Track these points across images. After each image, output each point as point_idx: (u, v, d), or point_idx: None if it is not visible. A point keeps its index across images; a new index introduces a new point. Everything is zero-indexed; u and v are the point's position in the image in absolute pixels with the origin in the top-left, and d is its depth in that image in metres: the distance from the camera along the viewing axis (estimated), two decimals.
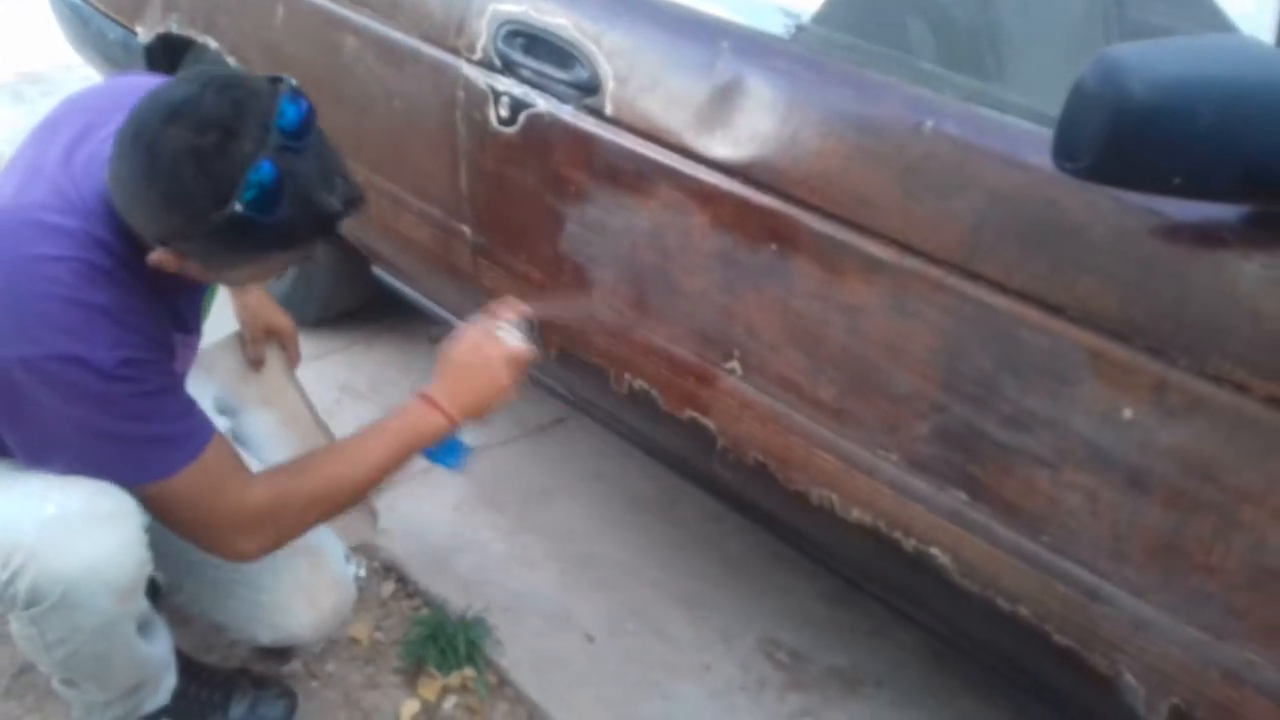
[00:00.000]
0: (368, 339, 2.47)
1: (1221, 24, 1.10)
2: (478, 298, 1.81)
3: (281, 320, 1.66)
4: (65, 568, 1.12)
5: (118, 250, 1.11)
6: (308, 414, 1.72)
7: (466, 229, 1.75)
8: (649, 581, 1.87)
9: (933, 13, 1.39)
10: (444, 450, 1.35)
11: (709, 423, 1.50)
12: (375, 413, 1.85)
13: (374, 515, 1.84)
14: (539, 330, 1.34)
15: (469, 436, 1.36)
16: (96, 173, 1.11)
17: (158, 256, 1.08)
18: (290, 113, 1.02)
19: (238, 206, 1.00)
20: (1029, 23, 1.34)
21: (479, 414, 1.30)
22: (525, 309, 1.33)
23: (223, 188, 1.00)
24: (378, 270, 2.25)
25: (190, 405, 1.18)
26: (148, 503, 1.17)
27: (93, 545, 1.13)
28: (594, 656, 1.72)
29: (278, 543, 1.23)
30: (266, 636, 1.46)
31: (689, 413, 1.52)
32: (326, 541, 1.46)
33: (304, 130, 1.04)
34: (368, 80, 1.82)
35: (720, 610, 1.82)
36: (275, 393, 1.67)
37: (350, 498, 1.25)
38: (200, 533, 1.20)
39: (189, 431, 1.15)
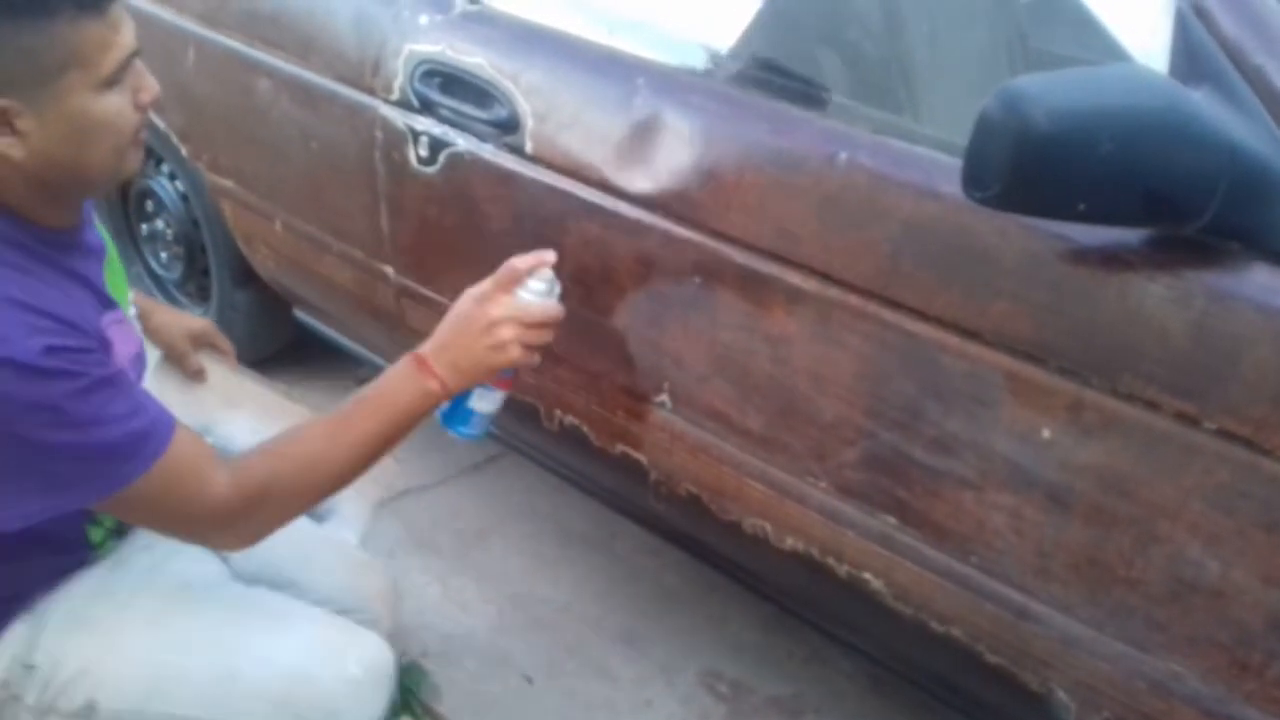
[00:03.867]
0: (290, 384, 2.41)
1: (1118, 54, 1.14)
2: (402, 339, 1.79)
3: (196, 323, 1.53)
4: None
5: None
6: (276, 397, 1.62)
7: (389, 270, 1.73)
8: (587, 619, 1.85)
9: (845, 48, 1.41)
10: (454, 415, 1.20)
11: (641, 456, 1.50)
12: None
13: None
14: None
15: (482, 404, 1.20)
16: None
17: None
18: None
19: None
20: (937, 56, 1.38)
21: (475, 378, 1.15)
22: (550, 257, 1.14)
23: None
24: (299, 313, 2.22)
25: (143, 398, 1.04)
26: (110, 507, 1.05)
27: (380, 703, 1.16)
28: (533, 698, 1.69)
29: (260, 535, 1.11)
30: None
31: (620, 447, 1.52)
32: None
33: None
34: (283, 123, 1.80)
35: (660, 645, 1.81)
36: (233, 390, 1.56)
37: (338, 480, 1.12)
38: (174, 530, 1.10)
39: (145, 430, 1.01)
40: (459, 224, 1.58)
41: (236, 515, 1.07)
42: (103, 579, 1.20)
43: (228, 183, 2.01)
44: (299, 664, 1.16)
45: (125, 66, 0.99)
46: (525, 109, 1.44)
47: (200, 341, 1.54)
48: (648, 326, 1.40)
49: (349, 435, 1.11)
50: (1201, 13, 1.01)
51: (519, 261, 1.14)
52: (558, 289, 1.14)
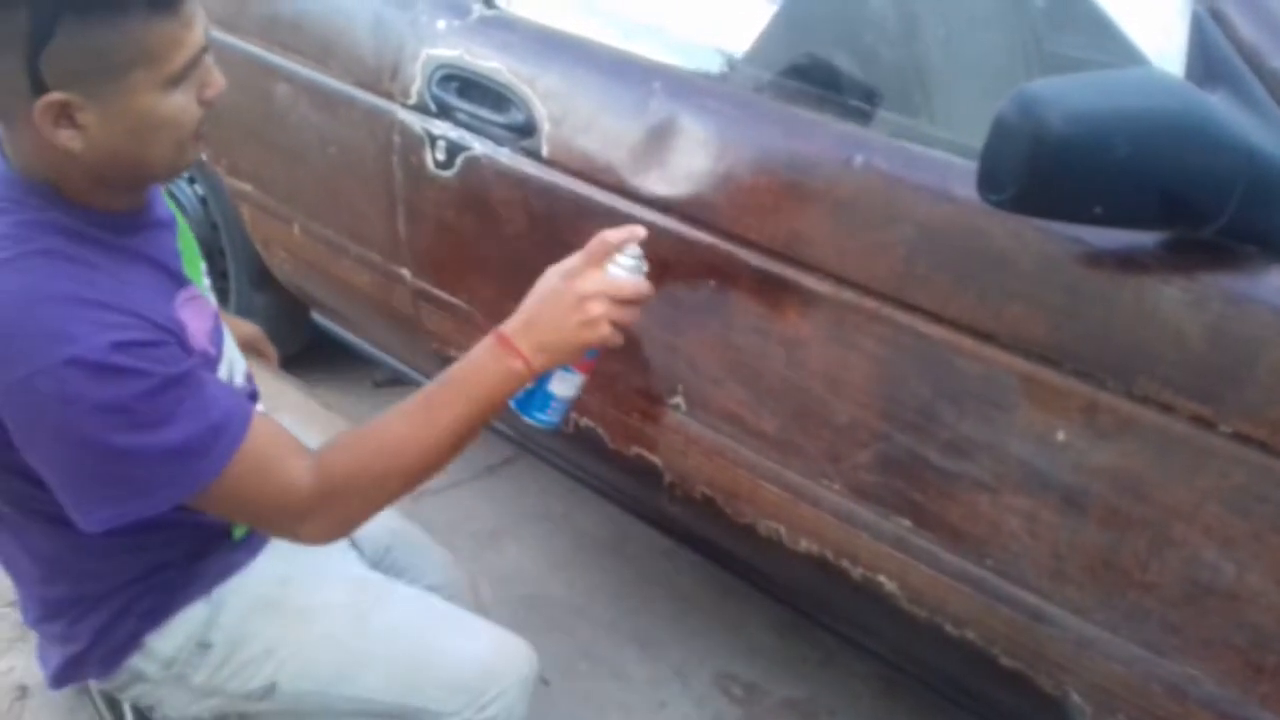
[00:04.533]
0: (308, 386, 2.43)
1: (1134, 57, 1.14)
2: (419, 341, 1.80)
3: (246, 329, 1.52)
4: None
5: (53, 221, 0.95)
6: (316, 405, 1.63)
7: (406, 272, 1.74)
8: (601, 621, 1.86)
9: (860, 52, 1.42)
10: (532, 400, 1.11)
11: (655, 459, 1.50)
12: None
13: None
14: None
15: (562, 387, 1.11)
16: None
17: (43, 114, 0.90)
18: None
19: None
20: (952, 59, 1.38)
21: (560, 358, 1.07)
22: (640, 231, 1.07)
23: None
24: (317, 315, 2.23)
25: (216, 390, 0.99)
26: (193, 505, 1.01)
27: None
28: (548, 700, 1.69)
29: (345, 526, 1.07)
30: None
31: (635, 449, 1.52)
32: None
33: None
34: (301, 127, 1.81)
35: (674, 647, 1.81)
36: (275, 397, 1.55)
37: (425, 469, 1.06)
38: (258, 522, 1.07)
39: (217, 426, 0.97)
40: (475, 227, 1.59)
41: (319, 506, 1.03)
42: (279, 566, 1.22)
43: (246, 186, 2.03)
44: (488, 661, 1.23)
45: (194, 63, 0.95)
46: (542, 113, 1.45)
47: (248, 348, 1.50)
48: (662, 329, 1.40)
49: (433, 422, 1.05)
50: (1218, 15, 1.01)
51: (611, 235, 1.06)
52: (645, 266, 1.07)
